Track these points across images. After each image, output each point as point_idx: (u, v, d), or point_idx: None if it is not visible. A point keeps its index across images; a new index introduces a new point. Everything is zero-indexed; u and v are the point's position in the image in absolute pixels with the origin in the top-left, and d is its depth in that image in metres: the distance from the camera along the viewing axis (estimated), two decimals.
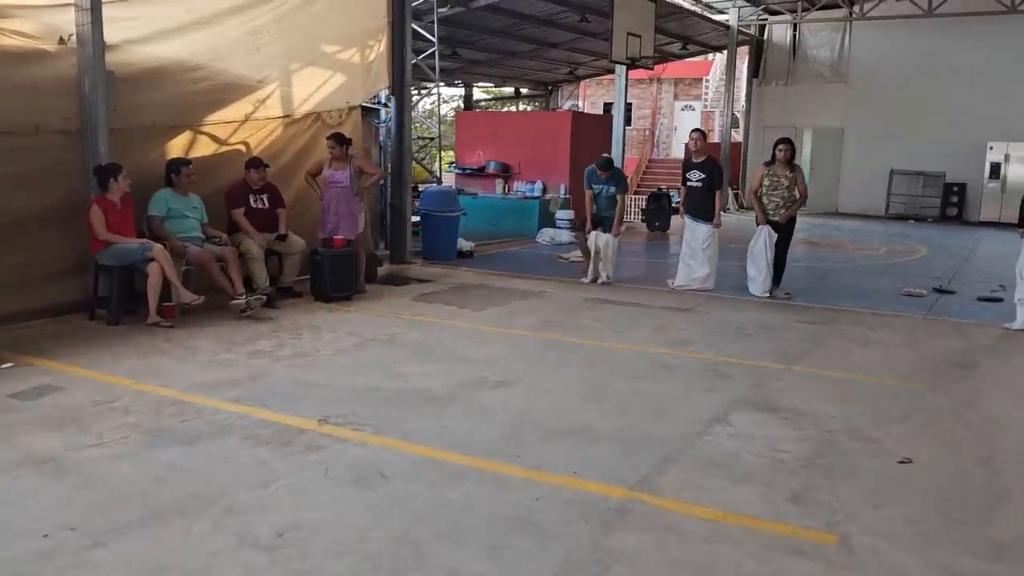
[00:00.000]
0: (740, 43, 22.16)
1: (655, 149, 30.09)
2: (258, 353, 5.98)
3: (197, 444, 4.13)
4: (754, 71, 23.17)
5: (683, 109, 31.02)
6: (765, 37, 22.98)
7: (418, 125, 14.41)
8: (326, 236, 8.32)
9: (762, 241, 8.71)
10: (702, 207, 9.02)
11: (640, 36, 15.18)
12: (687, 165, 9.24)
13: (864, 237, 16.14)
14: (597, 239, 9.39)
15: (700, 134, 9.14)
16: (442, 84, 25.94)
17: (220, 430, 4.34)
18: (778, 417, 4.81)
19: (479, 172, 16.57)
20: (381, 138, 10.80)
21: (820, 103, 21.96)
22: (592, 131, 16.34)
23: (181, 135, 7.86)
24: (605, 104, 30.61)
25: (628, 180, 9.93)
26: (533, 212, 14.70)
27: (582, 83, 28.24)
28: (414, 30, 13.02)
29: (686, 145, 9.19)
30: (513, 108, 29.99)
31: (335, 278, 8.03)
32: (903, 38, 20.24)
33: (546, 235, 13.46)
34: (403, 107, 10.15)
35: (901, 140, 20.55)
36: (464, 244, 11.63)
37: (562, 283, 9.57)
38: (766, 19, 22.34)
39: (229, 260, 7.27)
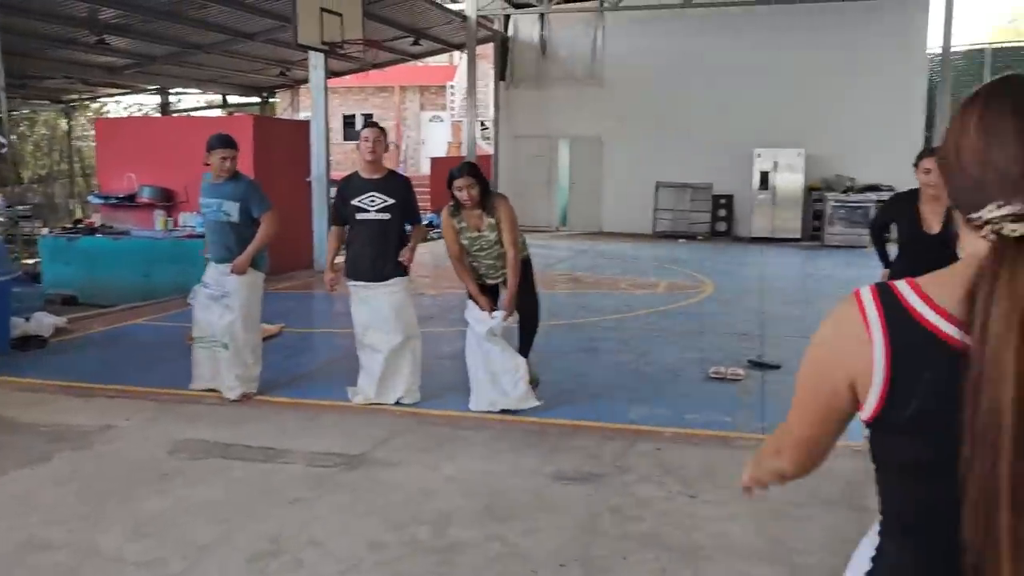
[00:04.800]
0: (482, 39, 18.79)
1: (401, 166, 26.43)
2: None
3: None
4: (500, 73, 20.00)
5: (431, 120, 27.62)
6: (511, 33, 19.91)
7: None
8: None
9: (479, 332, 5.08)
10: (385, 255, 5.19)
11: (341, 14, 11.37)
12: (352, 187, 5.24)
13: (636, 266, 13.14)
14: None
15: (378, 132, 5.22)
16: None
17: None
18: None
19: (130, 202, 11.93)
20: None
21: (575, 109, 19.03)
22: (287, 143, 12.24)
23: None
24: (345, 116, 26.66)
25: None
26: (197, 256, 10.33)
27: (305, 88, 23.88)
28: None
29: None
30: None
31: None
32: (659, 35, 17.79)
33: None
34: None
35: (665, 149, 17.98)
36: (40, 323, 7.15)
37: (164, 399, 5.43)
38: (510, 10, 19.12)
39: None
